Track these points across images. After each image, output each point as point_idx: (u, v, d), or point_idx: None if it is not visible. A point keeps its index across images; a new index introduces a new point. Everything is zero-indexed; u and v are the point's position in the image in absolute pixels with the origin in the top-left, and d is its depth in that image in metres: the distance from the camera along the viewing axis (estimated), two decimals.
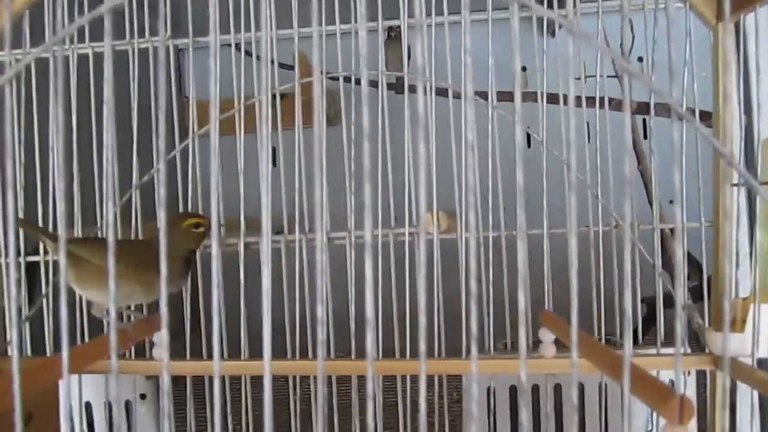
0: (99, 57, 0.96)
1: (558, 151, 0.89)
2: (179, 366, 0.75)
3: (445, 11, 0.94)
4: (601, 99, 0.93)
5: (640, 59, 0.99)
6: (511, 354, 0.88)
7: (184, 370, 0.79)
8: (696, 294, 1.00)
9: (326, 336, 0.92)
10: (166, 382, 0.35)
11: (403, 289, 0.91)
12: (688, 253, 0.97)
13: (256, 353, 0.88)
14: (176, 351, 0.90)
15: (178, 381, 1.00)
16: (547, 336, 0.76)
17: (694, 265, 0.98)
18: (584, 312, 0.91)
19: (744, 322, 0.67)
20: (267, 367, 0.36)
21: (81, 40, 0.98)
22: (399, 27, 1.00)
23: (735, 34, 0.73)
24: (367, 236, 0.33)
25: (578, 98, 0.94)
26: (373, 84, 0.99)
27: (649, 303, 1.17)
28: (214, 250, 0.35)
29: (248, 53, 1.02)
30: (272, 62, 0.98)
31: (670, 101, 0.33)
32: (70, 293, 0.91)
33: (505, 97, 1.00)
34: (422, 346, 0.34)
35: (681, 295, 0.35)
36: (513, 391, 0.94)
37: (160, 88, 0.35)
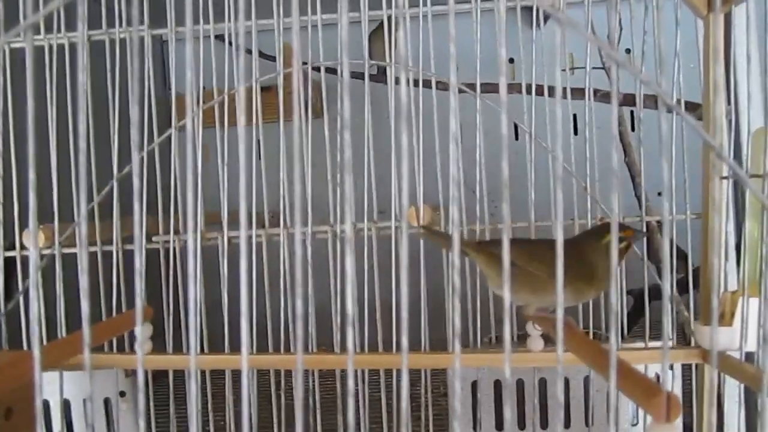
0: (76, 48, 0.94)
1: (544, 143, 0.88)
2: (156, 360, 0.73)
3: (429, 2, 0.93)
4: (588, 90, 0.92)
5: (628, 51, 0.98)
6: (497, 348, 0.87)
7: (162, 363, 0.77)
8: (682, 286, 0.99)
9: (308, 330, 0.91)
10: (141, 377, 0.34)
11: (388, 283, 0.90)
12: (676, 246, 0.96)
13: (238, 349, 0.86)
14: (160, 347, 0.88)
15: (159, 379, 0.98)
16: (534, 329, 0.75)
17: (679, 256, 0.98)
18: (571, 306, 0.90)
19: (733, 315, 0.67)
20: (245, 361, 0.35)
21: (59, 29, 0.96)
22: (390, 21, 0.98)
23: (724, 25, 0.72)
24: (348, 229, 0.32)
25: (564, 89, 0.93)
26: (357, 76, 0.97)
27: (636, 295, 1.16)
28: (191, 243, 0.34)
29: (232, 44, 1.01)
30: (252, 52, 0.96)
31: (659, 91, 0.32)
32: (46, 289, 0.89)
33: (491, 88, 0.99)
34: (404, 342, 0.33)
35: (668, 288, 0.34)
36: (498, 385, 0.93)
37: (135, 76, 0.34)
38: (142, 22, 0.95)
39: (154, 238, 0.96)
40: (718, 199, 0.66)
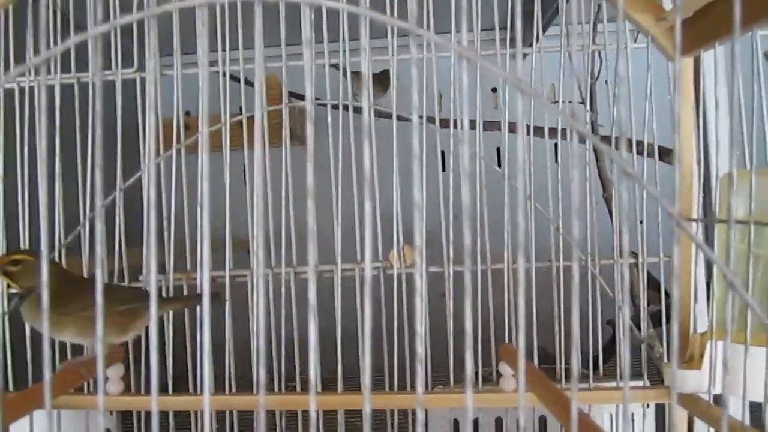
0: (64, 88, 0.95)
1: (523, 177, 0.88)
2: (121, 401, 0.73)
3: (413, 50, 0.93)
4: (565, 131, 0.92)
5: (607, 81, 0.99)
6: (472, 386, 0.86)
7: (125, 405, 0.77)
8: (656, 319, 0.98)
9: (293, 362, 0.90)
10: (101, 422, 0.34)
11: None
12: (649, 275, 0.95)
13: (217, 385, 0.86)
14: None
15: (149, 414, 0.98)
16: (507, 369, 0.75)
17: (654, 288, 0.97)
18: (547, 344, 0.90)
19: (702, 357, 0.67)
20: (206, 405, 0.35)
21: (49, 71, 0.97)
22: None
23: (694, 69, 0.73)
24: (311, 261, 0.33)
25: (542, 129, 0.94)
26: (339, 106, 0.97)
27: (615, 325, 1.16)
28: (153, 278, 0.34)
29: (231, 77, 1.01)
30: (239, 80, 0.96)
31: (629, 169, 0.33)
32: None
33: (472, 125, 1.00)
34: (367, 380, 0.33)
35: (627, 367, 0.34)
36: (478, 424, 0.92)
37: (97, 120, 0.35)
38: (132, 65, 0.97)
39: (140, 278, 0.96)
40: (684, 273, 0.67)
